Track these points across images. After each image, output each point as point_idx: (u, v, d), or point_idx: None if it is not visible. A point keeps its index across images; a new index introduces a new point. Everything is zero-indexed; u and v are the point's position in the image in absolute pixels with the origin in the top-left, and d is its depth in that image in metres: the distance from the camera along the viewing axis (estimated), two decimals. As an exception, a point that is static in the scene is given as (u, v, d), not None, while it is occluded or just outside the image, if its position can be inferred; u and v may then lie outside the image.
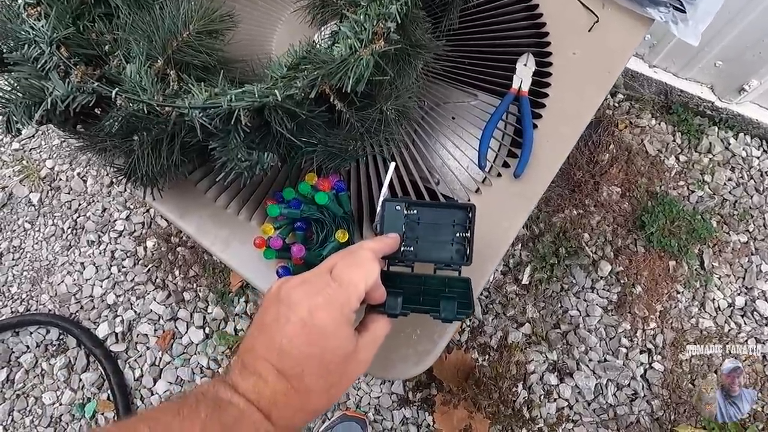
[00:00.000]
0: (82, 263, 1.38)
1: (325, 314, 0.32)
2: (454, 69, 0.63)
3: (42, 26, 0.40)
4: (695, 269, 1.27)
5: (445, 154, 0.60)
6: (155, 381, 1.26)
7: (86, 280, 1.36)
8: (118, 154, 0.47)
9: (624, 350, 1.22)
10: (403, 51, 0.47)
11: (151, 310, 1.32)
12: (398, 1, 0.41)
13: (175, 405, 0.30)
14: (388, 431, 1.19)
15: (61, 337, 1.31)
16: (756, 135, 1.38)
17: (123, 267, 1.37)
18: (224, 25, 0.47)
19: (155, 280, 1.35)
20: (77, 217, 1.43)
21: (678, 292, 1.26)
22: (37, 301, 1.36)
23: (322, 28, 0.59)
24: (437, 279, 0.43)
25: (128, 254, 1.38)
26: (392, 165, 0.52)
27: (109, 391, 1.24)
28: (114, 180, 1.45)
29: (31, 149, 1.53)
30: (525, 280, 1.28)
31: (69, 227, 1.42)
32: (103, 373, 1.25)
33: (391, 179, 0.53)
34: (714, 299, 1.25)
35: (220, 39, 0.47)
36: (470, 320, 1.26)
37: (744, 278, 1.26)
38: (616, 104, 1.46)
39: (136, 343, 1.30)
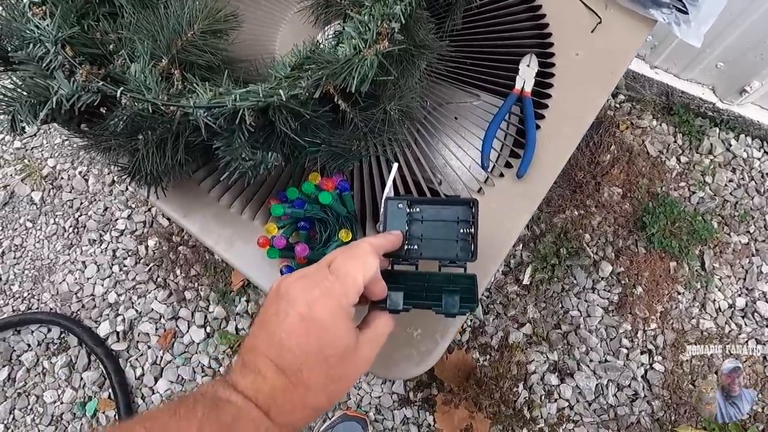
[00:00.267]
0: (83, 262, 1.38)
1: (323, 307, 0.32)
2: (457, 69, 0.63)
3: (47, 25, 0.40)
4: (696, 270, 1.27)
5: (447, 154, 0.60)
6: (156, 380, 1.27)
7: (87, 278, 1.36)
8: (123, 153, 0.48)
9: (625, 351, 1.22)
10: (406, 51, 0.47)
11: (153, 309, 1.32)
12: (402, 2, 0.41)
13: (173, 405, 0.30)
14: (389, 431, 1.19)
15: (62, 336, 1.31)
16: (757, 136, 1.38)
17: (124, 266, 1.37)
18: (228, 25, 0.47)
19: (156, 279, 1.35)
20: (79, 216, 1.44)
21: (679, 293, 1.26)
22: (38, 300, 1.36)
23: (326, 28, 0.59)
24: (441, 276, 0.43)
25: (129, 253, 1.38)
26: (395, 165, 0.52)
27: (110, 390, 1.24)
28: (117, 179, 1.45)
29: (32, 148, 1.53)
30: (526, 281, 1.28)
31: (70, 226, 1.42)
32: (104, 371, 1.25)
33: (394, 179, 0.53)
34: (714, 300, 1.25)
35: (225, 39, 0.47)
36: (471, 320, 1.26)
37: (744, 279, 1.26)
38: (618, 105, 1.46)
39: (137, 342, 1.30)
